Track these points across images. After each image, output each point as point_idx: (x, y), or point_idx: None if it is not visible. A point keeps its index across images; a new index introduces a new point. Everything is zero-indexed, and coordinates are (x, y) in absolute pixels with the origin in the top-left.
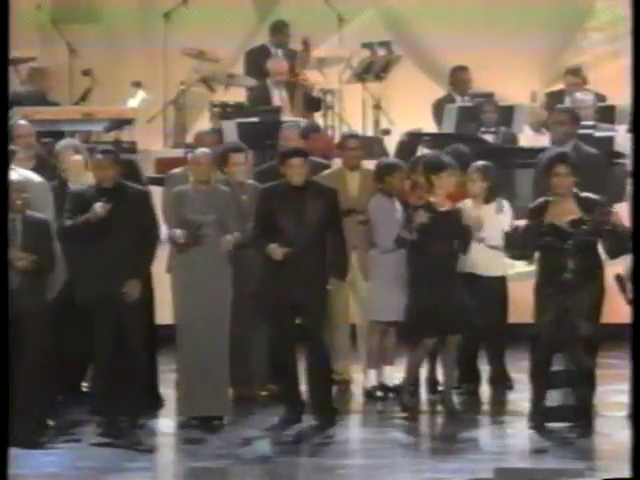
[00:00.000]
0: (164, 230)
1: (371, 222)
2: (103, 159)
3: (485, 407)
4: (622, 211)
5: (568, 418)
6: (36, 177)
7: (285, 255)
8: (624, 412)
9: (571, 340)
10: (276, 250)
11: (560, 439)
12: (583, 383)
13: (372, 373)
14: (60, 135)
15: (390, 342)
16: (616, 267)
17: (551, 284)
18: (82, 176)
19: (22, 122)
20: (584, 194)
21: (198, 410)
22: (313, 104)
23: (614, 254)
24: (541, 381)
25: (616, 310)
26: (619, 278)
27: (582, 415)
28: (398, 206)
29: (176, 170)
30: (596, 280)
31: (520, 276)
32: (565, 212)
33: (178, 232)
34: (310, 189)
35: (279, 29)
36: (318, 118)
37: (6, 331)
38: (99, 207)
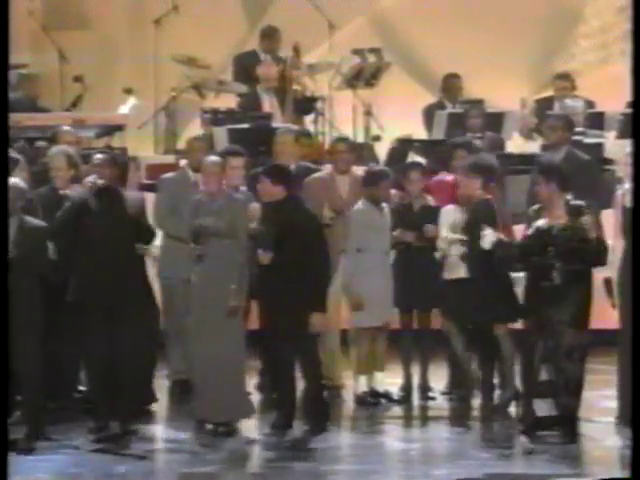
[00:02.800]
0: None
1: (352, 228)
2: (100, 159)
3: (475, 412)
4: (609, 217)
5: (555, 426)
6: None
7: (270, 261)
8: (612, 418)
9: (554, 349)
10: (262, 256)
11: (549, 444)
12: (566, 392)
13: (362, 379)
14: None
15: (380, 348)
16: (605, 271)
17: (535, 291)
18: (69, 183)
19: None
20: (574, 202)
21: (222, 416)
22: (305, 106)
23: (590, 263)
24: (529, 387)
25: (605, 315)
26: (607, 282)
27: (565, 424)
28: (386, 211)
29: (169, 174)
30: (582, 287)
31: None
32: (553, 218)
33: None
34: (288, 207)
35: (269, 35)
36: (309, 124)
37: (6, 331)
38: (91, 178)
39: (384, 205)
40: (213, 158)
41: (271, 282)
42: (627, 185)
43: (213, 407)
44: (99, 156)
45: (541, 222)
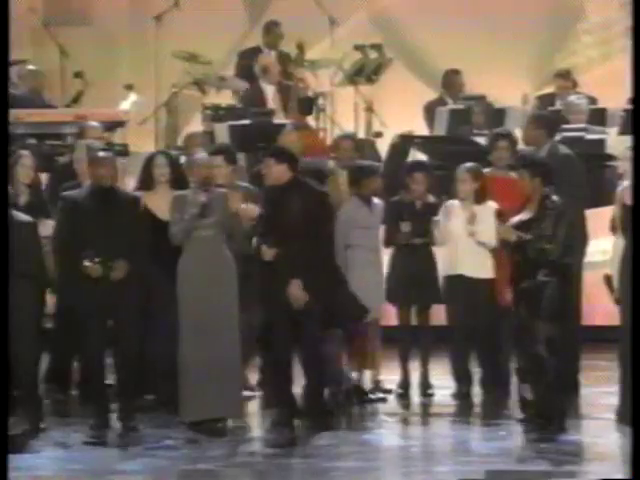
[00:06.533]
0: None
1: (340, 225)
2: (102, 157)
3: (476, 409)
4: (606, 215)
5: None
6: None
7: (274, 256)
8: (613, 414)
9: (525, 340)
10: (266, 251)
11: (551, 441)
12: (546, 385)
13: (354, 375)
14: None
15: (374, 345)
16: (606, 268)
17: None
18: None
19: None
20: (550, 199)
21: (208, 413)
22: (306, 106)
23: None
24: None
25: (605, 312)
26: (607, 278)
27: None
28: (377, 208)
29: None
30: (554, 281)
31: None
32: (530, 214)
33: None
34: (296, 189)
35: (268, 29)
36: (310, 121)
37: (6, 332)
38: None
39: (375, 202)
40: (200, 154)
41: (281, 279)
42: (626, 182)
43: (204, 405)
44: (99, 155)
45: (515, 220)
